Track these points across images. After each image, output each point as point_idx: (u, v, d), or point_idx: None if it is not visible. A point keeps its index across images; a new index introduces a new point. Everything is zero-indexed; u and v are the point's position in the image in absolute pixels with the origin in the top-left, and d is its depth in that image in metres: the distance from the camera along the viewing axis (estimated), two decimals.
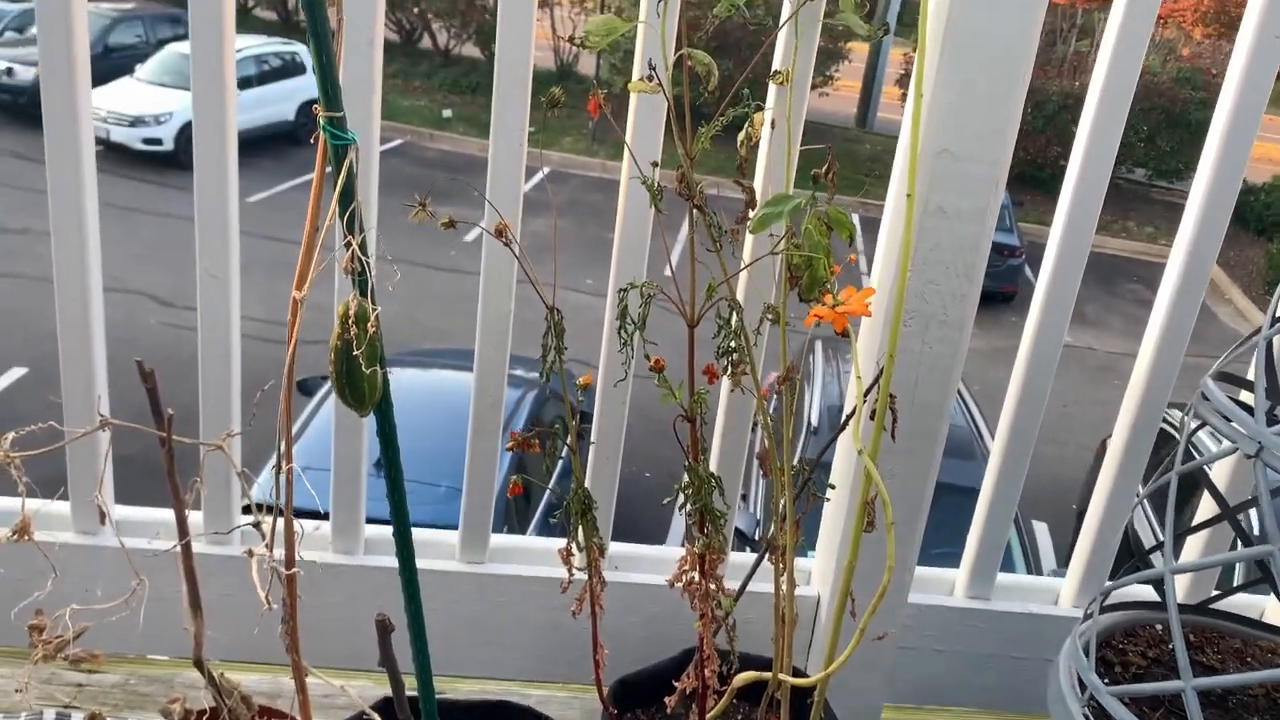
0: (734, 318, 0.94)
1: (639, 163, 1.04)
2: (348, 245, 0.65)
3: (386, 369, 0.75)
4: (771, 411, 1.06)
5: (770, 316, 1.05)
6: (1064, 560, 7.62)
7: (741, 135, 0.94)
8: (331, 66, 0.65)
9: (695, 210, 0.89)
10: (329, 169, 0.70)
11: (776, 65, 1.08)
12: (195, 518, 1.36)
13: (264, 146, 14.38)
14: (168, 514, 1.03)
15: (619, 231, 1.17)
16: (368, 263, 0.67)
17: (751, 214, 0.92)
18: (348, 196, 0.67)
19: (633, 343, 0.93)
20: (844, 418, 1.08)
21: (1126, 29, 1.13)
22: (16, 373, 8.43)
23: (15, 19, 16.89)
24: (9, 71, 14.67)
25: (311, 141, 0.73)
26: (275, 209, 12.49)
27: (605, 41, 0.86)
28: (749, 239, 1.11)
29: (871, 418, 0.98)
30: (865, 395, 1.02)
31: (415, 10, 19.76)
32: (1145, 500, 1.18)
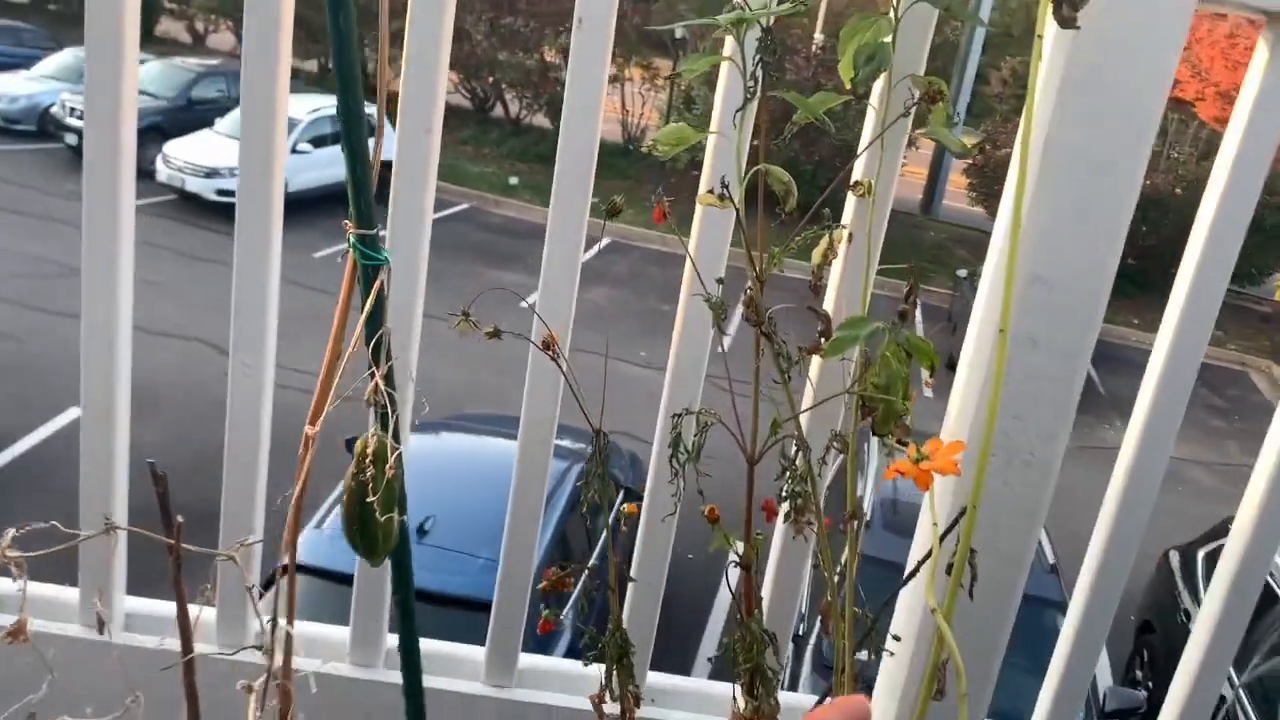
0: (799, 458, 0.85)
1: (702, 278, 0.96)
2: (371, 375, 0.58)
3: (405, 513, 0.67)
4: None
5: (837, 446, 0.96)
6: (1120, 675, 7.29)
7: (818, 253, 0.86)
8: (366, 181, 0.58)
9: (763, 338, 0.81)
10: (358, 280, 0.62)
11: (858, 175, 1.00)
12: (209, 616, 1.28)
13: (335, 203, 14.63)
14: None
15: (675, 350, 1.09)
16: (393, 395, 0.59)
17: (824, 341, 0.84)
18: (375, 321, 0.59)
19: (684, 475, 0.84)
20: (914, 566, 0.98)
21: (1247, 147, 1.05)
22: (74, 413, 8.51)
23: None
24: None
25: (340, 261, 0.67)
26: (339, 266, 12.64)
27: (674, 151, 0.79)
28: (816, 362, 1.03)
29: (948, 572, 0.88)
30: (941, 539, 0.92)
31: (490, 79, 20.16)
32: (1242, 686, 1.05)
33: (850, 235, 0.98)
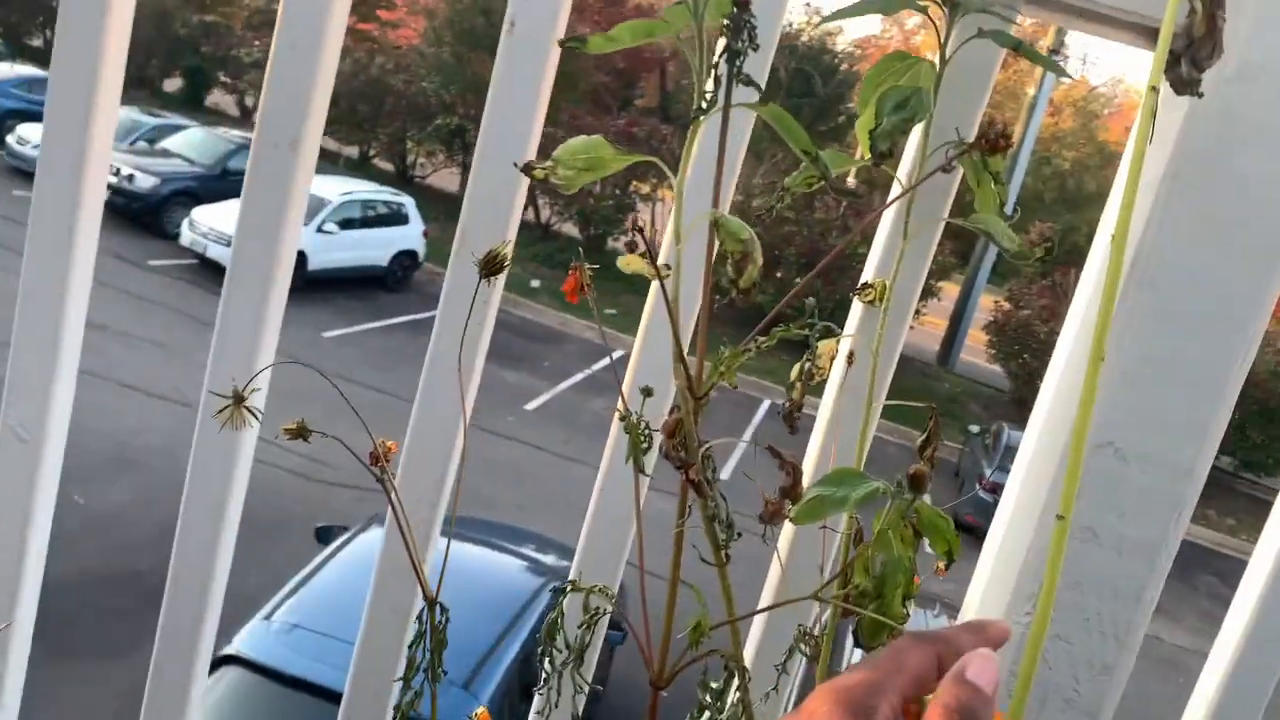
0: (728, 691, 0.55)
1: (623, 393, 0.68)
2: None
3: None
4: None
5: (805, 650, 0.66)
6: None
7: (796, 371, 0.58)
8: None
9: (690, 485, 0.53)
10: None
11: (868, 275, 0.73)
12: None
13: (352, 287, 14.60)
14: None
15: (594, 501, 0.80)
16: None
17: (785, 511, 0.55)
18: None
19: (558, 688, 0.55)
20: None
21: None
22: None
23: (149, 131, 17.80)
24: (130, 178, 15.32)
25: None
26: (347, 346, 12.52)
27: (580, 180, 0.53)
28: (788, 527, 0.74)
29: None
30: None
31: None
32: None
33: (851, 353, 0.71)
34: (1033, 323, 17.83)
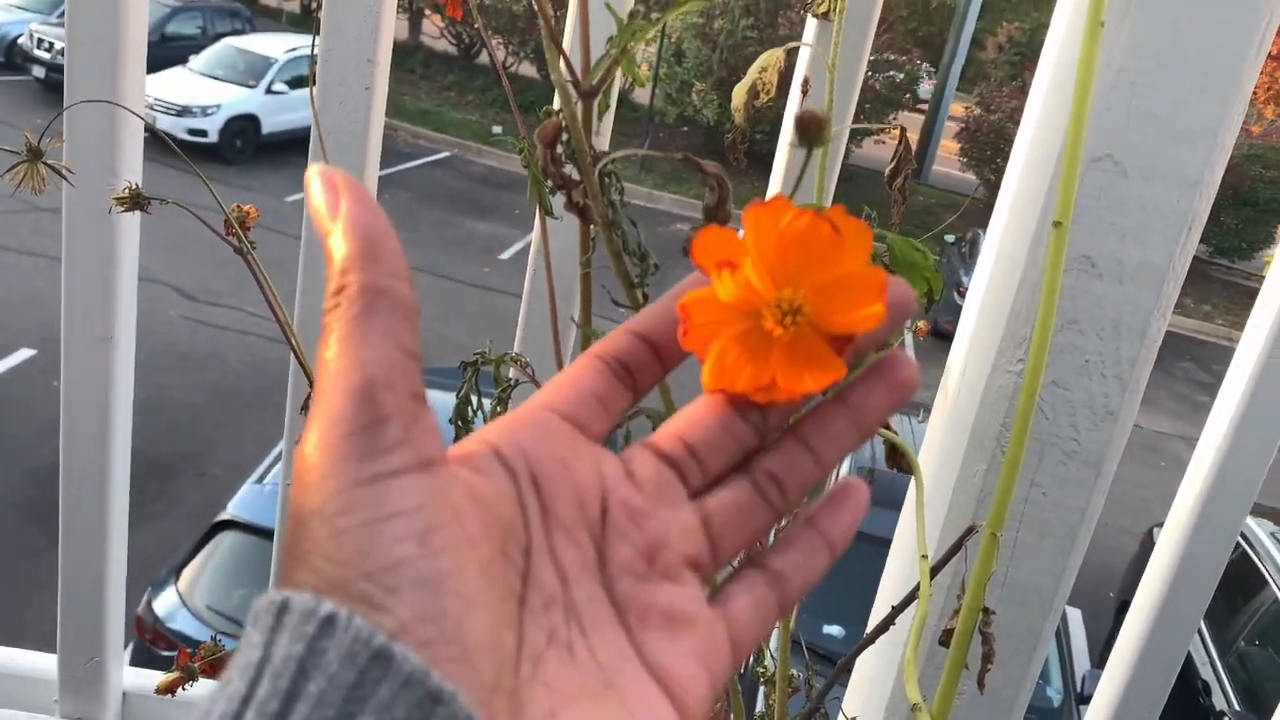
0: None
1: (517, 118, 0.57)
2: None
3: None
4: None
5: None
6: (1097, 656, 7.06)
7: (739, 90, 0.48)
8: None
9: (574, 210, 0.43)
10: None
11: None
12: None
13: (304, 147, 14.20)
14: None
15: (531, 260, 0.71)
16: None
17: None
18: None
19: None
20: (883, 620, 0.61)
21: None
22: (25, 353, 8.16)
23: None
24: (64, 52, 14.66)
25: None
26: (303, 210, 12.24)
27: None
28: None
29: (943, 643, 0.51)
30: (934, 573, 0.56)
31: (475, 26, 19.58)
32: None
33: (806, 80, 0.61)
34: (1005, 126, 17.57)
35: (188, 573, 4.77)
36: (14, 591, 5.43)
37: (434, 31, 19.40)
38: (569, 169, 0.43)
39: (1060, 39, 0.61)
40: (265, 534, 4.79)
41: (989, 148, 17.81)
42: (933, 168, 20.98)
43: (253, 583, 4.89)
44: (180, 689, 0.67)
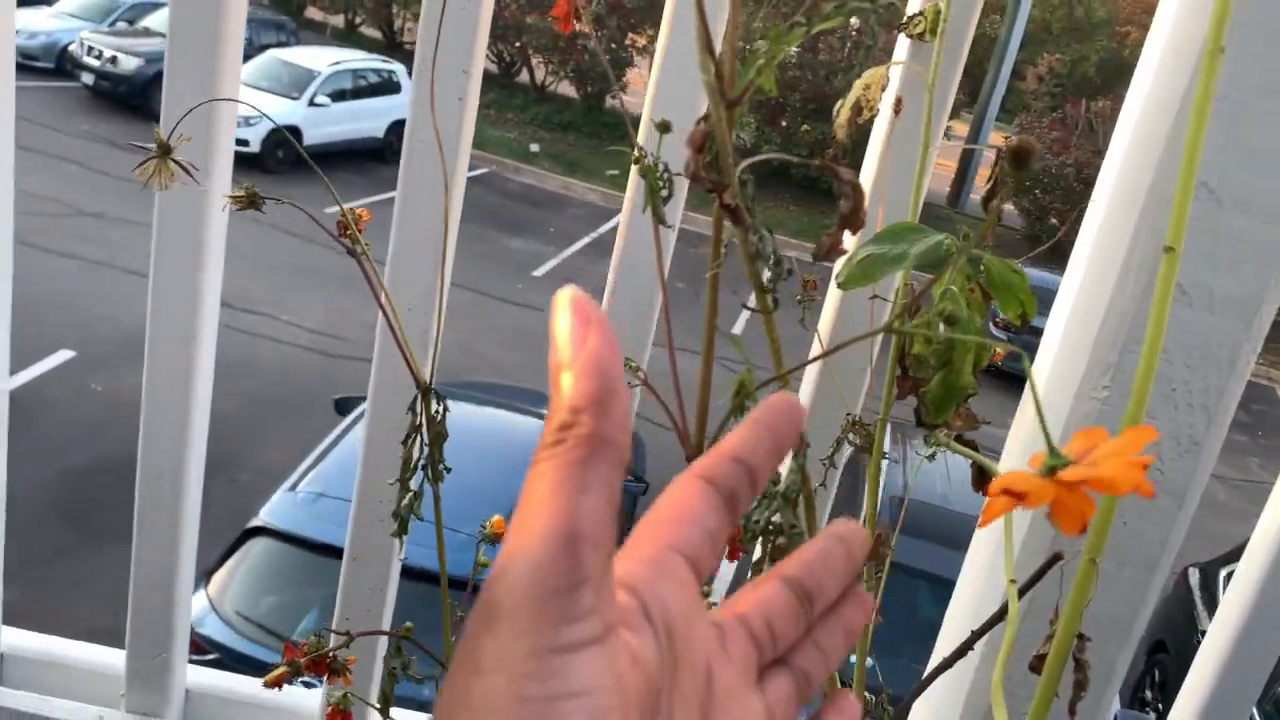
0: (791, 463, 0.47)
1: (632, 134, 0.58)
2: None
3: None
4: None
5: (854, 439, 0.59)
6: (1128, 697, 6.96)
7: (844, 106, 0.49)
8: None
9: (725, 213, 0.44)
10: None
11: (915, 5, 0.63)
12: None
13: (350, 160, 14.34)
14: None
15: (613, 269, 0.72)
16: None
17: (843, 256, 0.46)
18: None
19: None
20: (963, 644, 0.60)
21: None
22: (64, 355, 8.27)
23: (127, 10, 17.26)
24: (113, 60, 14.94)
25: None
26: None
27: None
28: (832, 297, 0.66)
29: (1033, 668, 0.51)
30: (1022, 593, 0.55)
31: (517, 44, 19.74)
32: None
33: (899, 100, 0.61)
34: (1044, 157, 17.51)
35: (218, 578, 4.79)
36: (49, 590, 5.49)
37: None
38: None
39: (1155, 66, 0.61)
40: (296, 542, 4.81)
41: (1028, 178, 17.72)
42: (970, 197, 20.92)
43: (282, 590, 4.91)
44: (283, 684, 0.68)
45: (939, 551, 4.82)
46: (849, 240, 0.49)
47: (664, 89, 0.62)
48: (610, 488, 0.33)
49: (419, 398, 0.56)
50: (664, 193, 0.48)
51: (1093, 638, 0.66)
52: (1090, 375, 0.65)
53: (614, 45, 18.37)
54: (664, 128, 0.47)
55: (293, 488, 5.23)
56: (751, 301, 0.45)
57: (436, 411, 0.55)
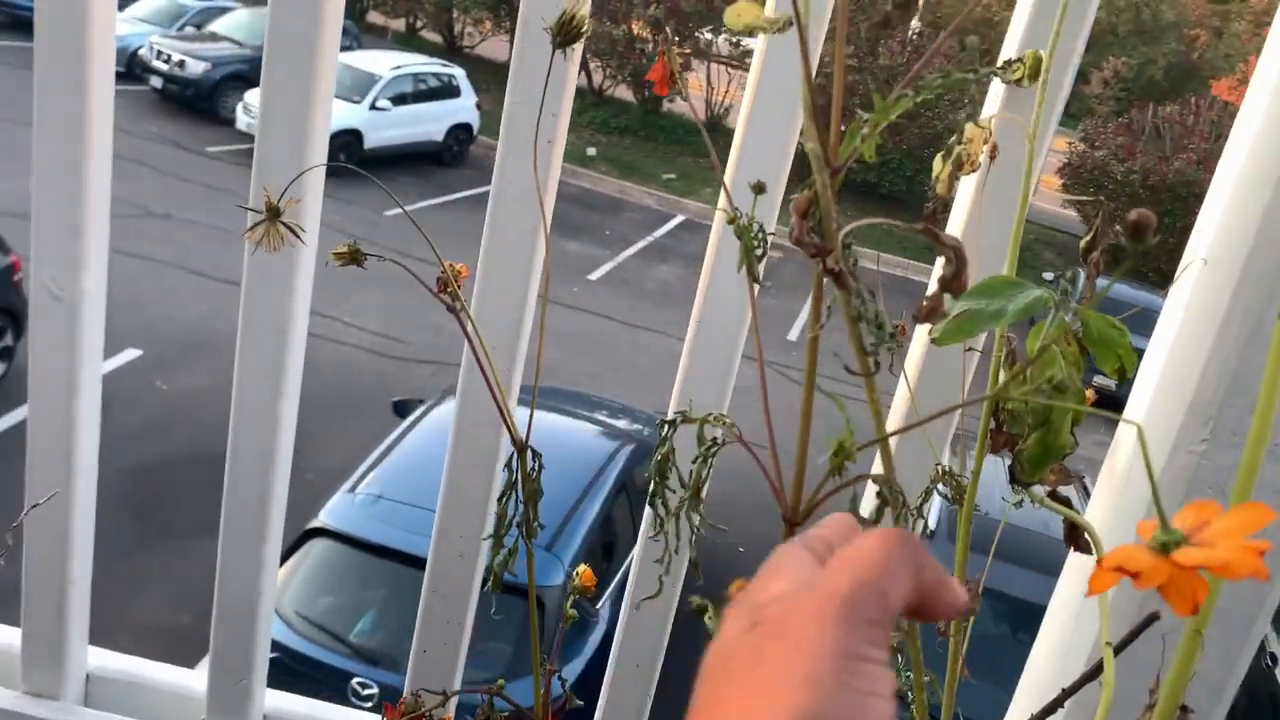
0: (886, 511, 0.47)
1: (729, 190, 0.58)
2: None
3: None
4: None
5: (945, 490, 0.58)
6: None
7: (943, 164, 0.48)
8: None
9: (829, 277, 0.43)
10: None
11: (1010, 50, 0.61)
12: None
13: (409, 163, 14.51)
14: None
15: (696, 311, 0.71)
16: None
17: (943, 308, 0.45)
18: None
19: (675, 531, 0.48)
20: (1052, 702, 0.59)
21: None
22: (131, 354, 8.45)
23: (195, 15, 17.61)
24: (181, 64, 15.25)
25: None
26: (408, 225, 12.49)
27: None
28: (916, 348, 0.65)
29: None
30: (1117, 651, 0.53)
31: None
32: None
33: (994, 146, 0.60)
34: (1109, 163, 17.17)
35: (278, 578, 4.86)
36: (111, 587, 5.61)
37: None
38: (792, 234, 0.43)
39: (1264, 108, 0.59)
40: (354, 543, 4.87)
41: (1092, 184, 17.42)
42: (1031, 203, 20.60)
43: (340, 590, 4.97)
44: None
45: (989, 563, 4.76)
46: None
47: (750, 149, 0.62)
48: None
49: (515, 456, 0.57)
50: (758, 251, 0.48)
51: (1188, 701, 0.64)
52: (1188, 427, 0.63)
53: (672, 49, 18.31)
54: (759, 189, 0.46)
55: (352, 489, 5.29)
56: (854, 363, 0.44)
57: (532, 469, 0.56)
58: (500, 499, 0.56)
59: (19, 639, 1.05)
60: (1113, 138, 17.63)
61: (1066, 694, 0.56)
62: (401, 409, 6.54)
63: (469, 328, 0.63)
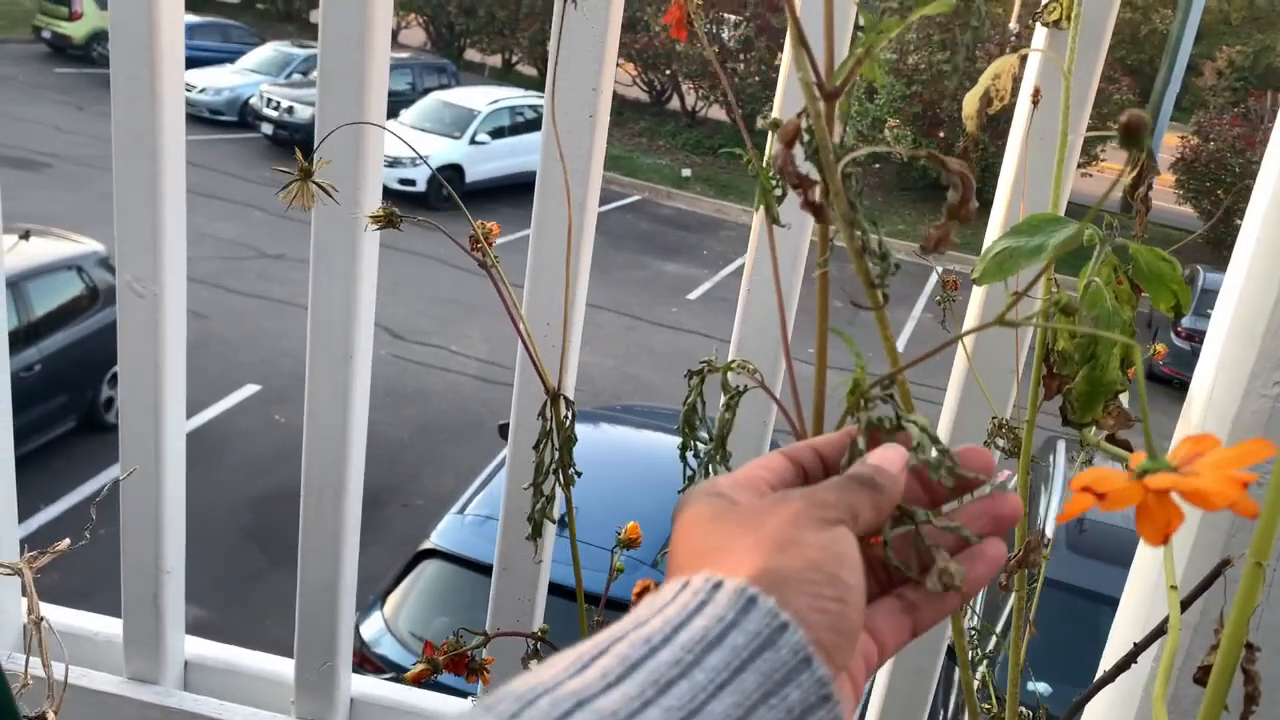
0: (925, 449, 0.46)
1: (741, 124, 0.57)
2: None
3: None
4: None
5: (1001, 443, 0.57)
6: None
7: (973, 96, 0.47)
8: None
9: (809, 209, 0.43)
10: None
11: None
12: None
13: (508, 194, 14.77)
14: None
15: (746, 275, 0.72)
16: None
17: (951, 237, 0.45)
18: None
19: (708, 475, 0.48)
20: (1124, 656, 0.57)
21: None
22: (250, 389, 8.78)
23: (301, 63, 18.31)
24: (290, 110, 15.85)
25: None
26: (509, 253, 12.65)
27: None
28: (976, 298, 0.64)
29: (1198, 680, 0.48)
30: (1184, 607, 0.52)
31: (667, 72, 19.98)
32: None
33: (1037, 89, 0.59)
34: (1225, 155, 16.47)
35: (392, 599, 4.97)
36: (240, 610, 5.81)
37: (626, 80, 19.93)
38: (807, 170, 0.43)
39: None
40: (465, 563, 4.95)
41: (1208, 179, 16.73)
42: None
43: (452, 610, 5.06)
44: (424, 680, 0.71)
45: (1075, 560, 4.67)
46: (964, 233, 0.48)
47: (790, 90, 0.62)
48: None
49: (548, 403, 0.58)
50: (777, 192, 0.47)
51: (1269, 650, 0.61)
52: (1261, 369, 0.60)
53: (763, 66, 18.35)
54: (774, 125, 0.46)
55: (461, 511, 5.39)
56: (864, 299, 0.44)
57: (565, 416, 0.57)
58: (535, 446, 0.57)
59: (121, 628, 1.12)
60: (1228, 129, 16.92)
61: (1140, 647, 0.54)
62: (507, 432, 6.63)
63: (504, 290, 0.64)
